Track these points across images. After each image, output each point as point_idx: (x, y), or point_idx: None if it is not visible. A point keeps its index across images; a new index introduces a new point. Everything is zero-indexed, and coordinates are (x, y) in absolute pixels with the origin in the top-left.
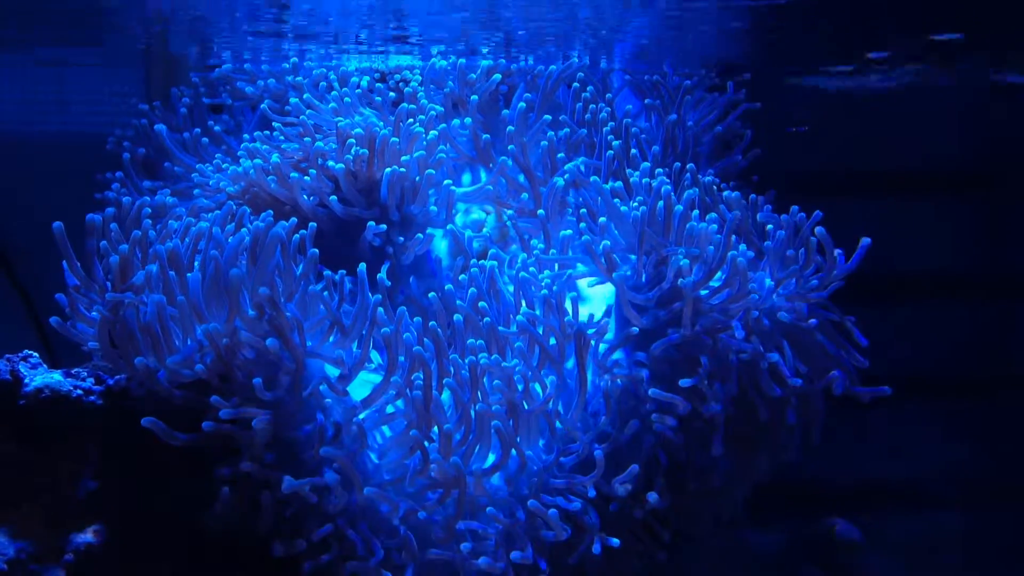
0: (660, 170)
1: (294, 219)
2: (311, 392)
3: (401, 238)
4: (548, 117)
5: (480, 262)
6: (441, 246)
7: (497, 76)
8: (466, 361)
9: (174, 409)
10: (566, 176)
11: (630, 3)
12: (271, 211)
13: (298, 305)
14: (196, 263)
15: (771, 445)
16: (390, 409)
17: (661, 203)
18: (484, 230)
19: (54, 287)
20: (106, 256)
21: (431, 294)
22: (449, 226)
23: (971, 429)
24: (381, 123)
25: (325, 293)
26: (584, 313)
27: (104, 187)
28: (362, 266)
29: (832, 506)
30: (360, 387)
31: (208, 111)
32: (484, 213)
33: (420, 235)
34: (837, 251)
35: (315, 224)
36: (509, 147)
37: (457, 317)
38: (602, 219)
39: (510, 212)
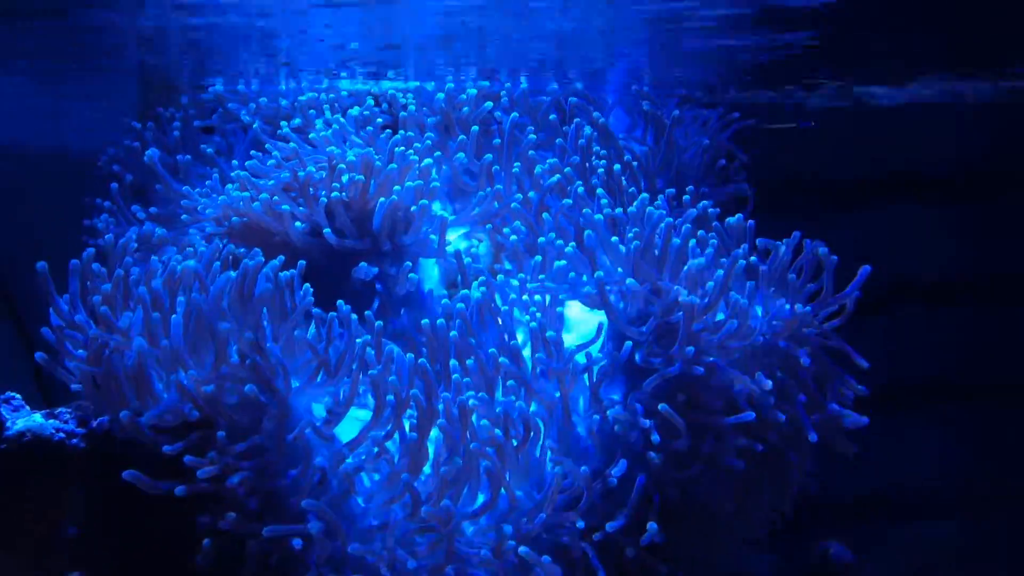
0: (647, 196)
1: (282, 256)
2: (296, 436)
3: (393, 269)
4: (532, 137)
5: (470, 292)
6: (433, 275)
7: (488, 104)
8: (456, 400)
9: (158, 453)
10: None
11: (625, 25)
12: (259, 249)
13: (284, 347)
14: (181, 305)
15: (774, 482)
16: (376, 450)
17: (657, 237)
18: (480, 249)
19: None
20: (89, 296)
21: (424, 320)
22: (449, 248)
23: (970, 436)
24: (372, 150)
25: (312, 329)
26: (574, 343)
27: (93, 212)
28: (346, 307)
29: (827, 517)
30: (348, 425)
31: (199, 133)
32: (477, 241)
33: (413, 275)
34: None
35: (304, 262)
36: (502, 174)
37: (453, 362)
38: (570, 247)
39: (510, 240)
